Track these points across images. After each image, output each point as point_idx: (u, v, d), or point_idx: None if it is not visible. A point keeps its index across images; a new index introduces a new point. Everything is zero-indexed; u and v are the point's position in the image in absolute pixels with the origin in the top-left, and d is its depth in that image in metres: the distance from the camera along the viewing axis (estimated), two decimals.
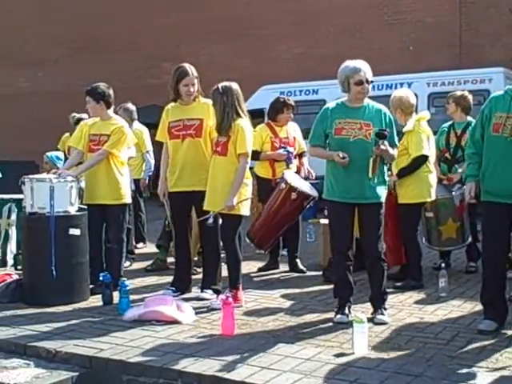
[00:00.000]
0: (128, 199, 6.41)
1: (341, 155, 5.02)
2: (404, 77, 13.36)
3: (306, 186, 6.90)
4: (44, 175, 6.48)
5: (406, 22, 17.27)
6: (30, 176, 6.01)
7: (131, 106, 8.48)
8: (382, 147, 5.02)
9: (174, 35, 19.60)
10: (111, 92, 6.38)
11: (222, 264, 6.07)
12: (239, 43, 18.90)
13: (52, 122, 18.65)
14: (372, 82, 5.22)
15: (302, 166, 7.49)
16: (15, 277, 6.20)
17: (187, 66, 6.01)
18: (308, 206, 6.95)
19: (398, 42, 16.98)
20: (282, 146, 7.25)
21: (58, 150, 9.62)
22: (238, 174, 5.65)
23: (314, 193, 6.85)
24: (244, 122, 5.71)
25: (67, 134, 9.49)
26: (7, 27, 22.05)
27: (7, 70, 21.53)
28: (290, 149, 7.25)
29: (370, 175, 5.04)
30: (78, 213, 6.01)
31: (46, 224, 5.73)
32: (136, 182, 8.44)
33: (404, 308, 5.60)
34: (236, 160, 5.67)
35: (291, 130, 7.45)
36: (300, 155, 7.52)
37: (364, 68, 5.16)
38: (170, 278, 6.40)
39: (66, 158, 8.12)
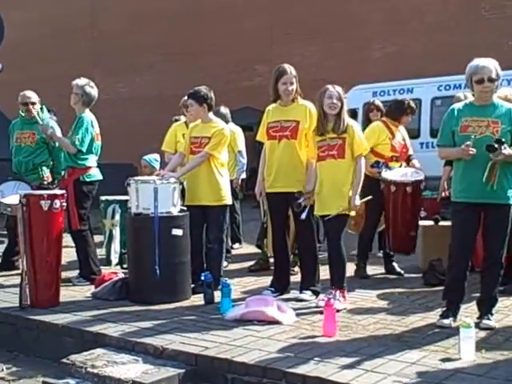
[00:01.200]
0: (228, 200, 6.52)
1: (468, 143, 4.88)
2: (504, 73, 12.95)
3: (397, 175, 6.87)
4: (147, 177, 6.65)
5: (505, 17, 16.78)
6: (135, 178, 6.22)
7: (224, 110, 8.59)
8: (505, 152, 4.81)
9: (265, 37, 19.75)
10: (212, 95, 6.51)
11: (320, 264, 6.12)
12: (330, 43, 18.86)
13: (149, 125, 19.20)
14: (496, 79, 5.06)
15: (414, 167, 7.39)
16: (121, 275, 6.42)
17: (286, 65, 6.08)
18: (422, 192, 6.98)
19: (497, 38, 16.51)
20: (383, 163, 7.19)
21: (160, 152, 9.81)
22: (359, 174, 5.79)
23: (409, 178, 6.83)
24: (353, 122, 5.92)
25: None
26: (104, 35, 22.82)
27: (106, 77, 22.25)
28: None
29: (487, 180, 4.88)
30: (180, 213, 6.16)
31: (150, 224, 5.91)
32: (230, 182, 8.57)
33: (510, 313, 5.46)
34: (353, 161, 5.79)
35: (402, 131, 7.42)
36: (408, 158, 7.43)
37: (488, 66, 5.02)
38: (267, 279, 6.48)
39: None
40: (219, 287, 5.82)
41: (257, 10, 19.94)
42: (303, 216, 5.82)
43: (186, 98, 6.95)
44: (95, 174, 6.93)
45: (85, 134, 6.76)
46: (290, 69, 6.03)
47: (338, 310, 5.27)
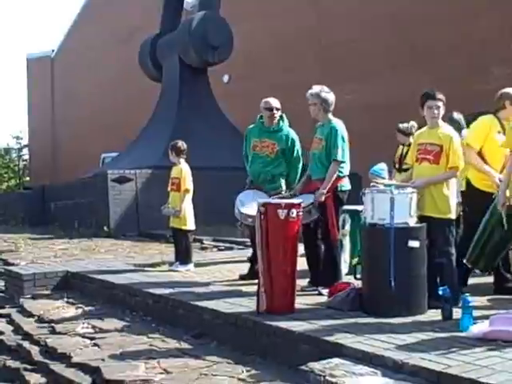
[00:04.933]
0: (453, 214, 6.23)
1: None
2: None
3: None
4: (383, 186, 6.54)
5: None
6: (371, 187, 6.17)
7: (457, 115, 8.24)
8: None
9: (501, 35, 18.67)
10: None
11: None
12: None
13: (376, 133, 19.07)
14: None
15: None
16: (353, 285, 6.40)
17: None
18: None
19: None
20: None
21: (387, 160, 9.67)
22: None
23: None
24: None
25: None
26: (331, 44, 23.13)
27: (333, 86, 22.50)
28: None
29: None
30: (416, 225, 6.00)
31: (386, 235, 5.81)
32: None
33: None
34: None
35: None
36: None
37: None
38: None
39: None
40: (459, 303, 5.57)
41: (490, 5, 18.85)
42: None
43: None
44: (348, 184, 6.96)
45: (343, 144, 6.78)
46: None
47: None
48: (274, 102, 7.73)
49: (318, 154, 6.94)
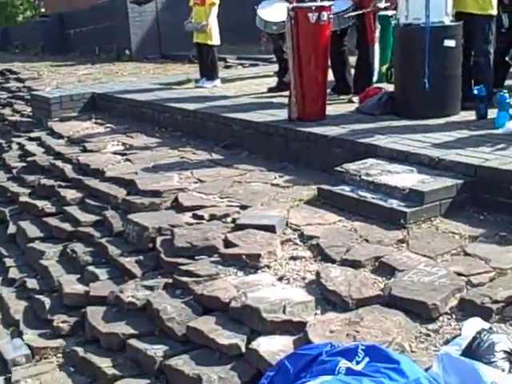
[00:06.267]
0: (494, 10, 5.89)
1: None
2: None
3: None
4: None
5: None
6: None
7: None
8: None
9: None
10: None
11: None
12: None
13: None
14: None
15: None
16: (385, 90, 6.25)
17: None
18: None
19: None
20: None
21: None
22: None
23: None
24: None
25: None
26: None
27: None
28: None
29: None
30: (452, 23, 5.72)
31: (421, 35, 5.55)
32: None
33: None
34: None
35: None
36: None
37: None
38: None
39: None
40: (493, 101, 5.43)
41: None
42: None
43: None
44: None
45: None
46: None
47: None
48: None
49: None
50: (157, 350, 3.55)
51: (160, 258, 4.33)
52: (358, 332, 3.03)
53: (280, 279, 3.70)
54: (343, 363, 2.56)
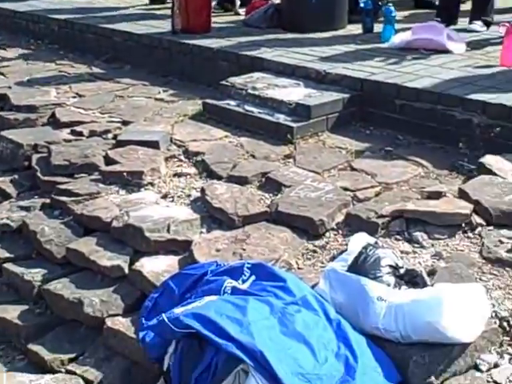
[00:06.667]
0: None
1: None
2: None
3: None
4: None
5: None
6: None
7: None
8: None
9: None
10: None
11: None
12: None
13: None
14: None
15: None
16: (271, 2, 6.07)
17: None
18: None
19: None
20: None
21: None
22: None
23: None
24: None
25: None
26: None
27: None
28: None
29: None
30: None
31: None
32: None
33: None
34: None
35: None
36: None
37: None
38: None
39: None
40: (382, 17, 5.38)
41: None
42: None
43: None
44: None
45: None
46: None
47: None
48: None
49: None
50: (34, 274, 3.36)
51: (36, 177, 4.09)
52: (244, 250, 2.96)
53: (164, 197, 3.57)
54: (229, 282, 2.49)
